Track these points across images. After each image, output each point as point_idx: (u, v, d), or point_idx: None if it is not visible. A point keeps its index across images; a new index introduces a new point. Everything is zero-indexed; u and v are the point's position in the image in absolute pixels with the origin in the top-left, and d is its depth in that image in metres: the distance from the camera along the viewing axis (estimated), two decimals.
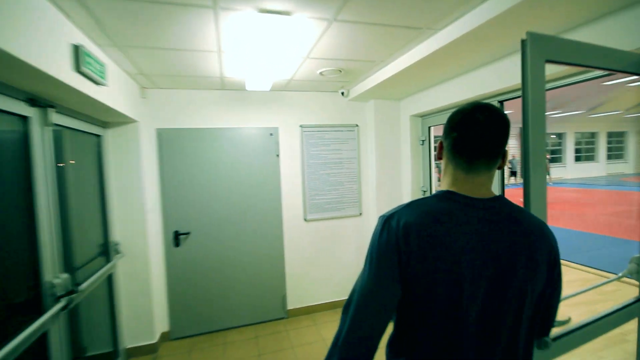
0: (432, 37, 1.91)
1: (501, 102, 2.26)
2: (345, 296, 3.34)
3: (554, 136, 17.59)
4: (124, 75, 2.33)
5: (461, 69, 2.30)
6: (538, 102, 1.05)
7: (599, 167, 18.27)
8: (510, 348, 0.74)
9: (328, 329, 2.99)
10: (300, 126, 3.14)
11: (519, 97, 2.20)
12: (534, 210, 1.02)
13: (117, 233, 2.56)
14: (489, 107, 0.77)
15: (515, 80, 2.00)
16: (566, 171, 17.54)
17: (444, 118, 2.83)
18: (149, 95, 2.76)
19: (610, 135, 18.53)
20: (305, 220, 3.20)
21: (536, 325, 0.80)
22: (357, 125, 3.31)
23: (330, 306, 3.33)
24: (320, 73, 2.54)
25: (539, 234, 0.76)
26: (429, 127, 3.06)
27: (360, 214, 3.36)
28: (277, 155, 3.09)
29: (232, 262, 3.01)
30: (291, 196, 3.14)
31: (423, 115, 3.09)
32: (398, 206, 0.81)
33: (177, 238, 2.85)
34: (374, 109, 3.17)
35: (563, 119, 15.97)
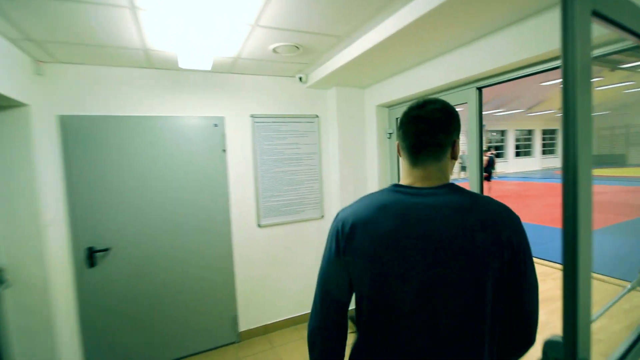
0: (407, 6, 1.57)
1: (480, 88, 2.01)
2: (307, 309, 2.96)
3: (495, 133, 18.80)
4: (2, 42, 1.69)
5: (435, 51, 2.00)
6: (584, 68, 0.73)
7: (535, 162, 19.97)
8: (457, 340, 0.72)
9: (288, 351, 2.58)
10: (252, 116, 2.66)
11: (501, 82, 1.97)
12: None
13: (1, 256, 1.90)
14: (428, 101, 0.80)
15: (498, 63, 1.73)
16: (508, 166, 18.88)
17: None
18: (48, 71, 2.10)
19: (544, 132, 20.31)
20: (259, 226, 2.74)
21: (512, 331, 0.76)
22: (317, 116, 2.91)
23: (290, 322, 2.91)
24: (274, 50, 2.09)
25: (494, 219, 0.73)
26: (397, 119, 2.77)
27: (322, 216, 2.98)
28: (224, 151, 2.58)
29: (168, 282, 2.45)
30: (242, 199, 2.66)
31: (390, 106, 2.78)
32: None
33: (91, 256, 2.23)
34: (336, 98, 2.80)
35: (505, 117, 17.11)
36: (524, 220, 0.75)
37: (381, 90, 2.67)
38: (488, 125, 17.72)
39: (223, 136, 2.57)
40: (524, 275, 0.74)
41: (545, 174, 16.54)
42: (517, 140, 19.54)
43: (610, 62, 10.74)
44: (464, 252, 0.71)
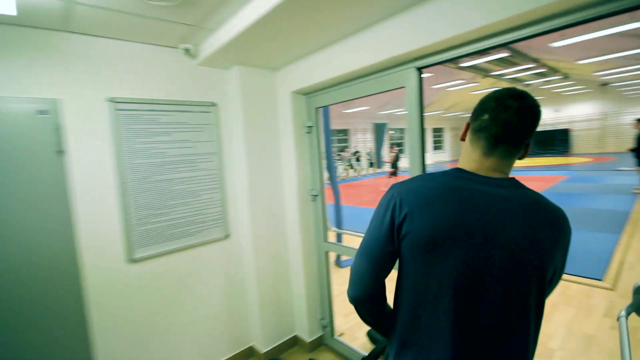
0: None
1: (420, 69, 1.62)
2: (218, 357, 2.23)
3: (393, 131, 20.43)
4: None
5: (361, 20, 1.54)
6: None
7: (428, 157, 22.49)
8: (518, 326, 0.71)
9: None
10: (111, 101, 1.80)
11: (444, 61, 1.62)
12: None
13: None
14: (523, 94, 0.73)
15: (441, 35, 1.35)
16: (406, 161, 20.76)
17: (337, 96, 2.06)
18: None
19: (434, 130, 23.00)
20: (131, 261, 1.89)
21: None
22: (214, 105, 2.20)
23: None
24: None
25: (553, 221, 0.72)
26: (317, 109, 2.25)
27: (228, 235, 2.28)
28: (61, 152, 1.66)
29: None
30: (98, 223, 1.78)
31: (309, 93, 2.25)
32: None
33: None
34: (240, 81, 2.13)
35: (404, 116, 18.66)
36: None
37: (297, 72, 2.12)
38: (390, 124, 19.10)
39: (57, 130, 1.64)
40: (559, 273, 0.78)
41: (437, 168, 18.72)
42: None
43: (482, 70, 12.40)
44: (529, 247, 0.70)
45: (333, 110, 14.57)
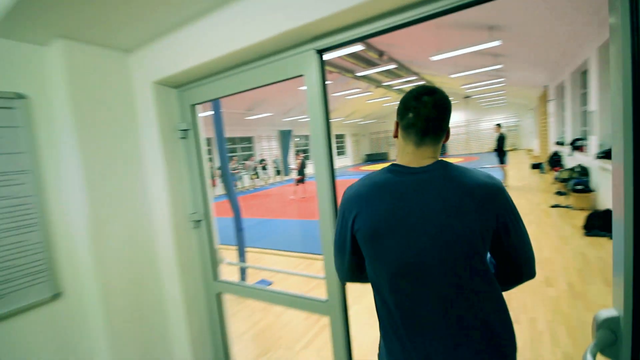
0: None
1: (320, 52, 1.25)
2: None
3: (298, 138, 20.65)
4: None
5: None
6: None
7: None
8: (446, 283, 0.80)
9: None
10: None
11: (347, 42, 1.28)
12: None
13: None
14: (434, 90, 0.85)
15: (342, 4, 1.02)
16: (311, 167, 21.12)
17: (219, 89, 1.55)
18: None
19: (337, 137, 24.08)
20: None
21: (503, 267, 0.88)
22: (22, 97, 1.43)
23: None
24: None
25: (472, 189, 0.80)
26: (193, 107, 1.70)
27: (58, 294, 1.52)
28: None
29: None
30: None
31: (180, 85, 1.68)
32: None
33: None
34: (66, 62, 1.43)
35: (302, 123, 18.97)
36: None
37: (159, 55, 1.53)
38: (295, 131, 19.14)
39: None
40: (513, 233, 0.83)
41: (342, 172, 19.49)
42: None
43: (374, 80, 13.37)
44: (454, 216, 0.78)
45: (234, 116, 13.63)
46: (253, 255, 5.06)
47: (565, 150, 8.26)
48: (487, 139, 22.49)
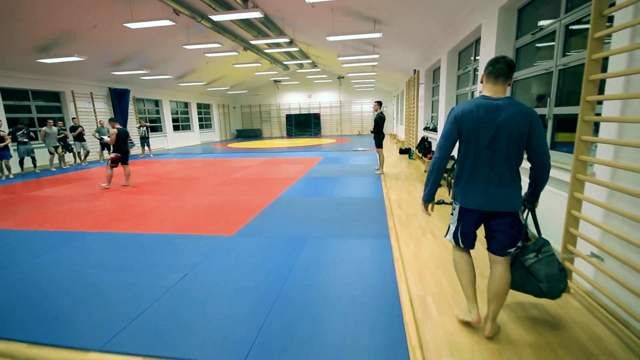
0: None
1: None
2: None
3: (143, 105, 16.20)
4: None
5: None
6: None
7: (195, 136, 19.59)
8: (507, 161, 1.80)
9: None
10: None
11: None
12: None
13: None
14: (504, 57, 1.82)
15: None
16: (167, 141, 17.03)
17: None
18: None
19: (199, 106, 20.22)
20: None
21: (532, 154, 1.82)
22: None
23: None
24: None
25: (525, 113, 1.74)
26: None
27: None
28: None
29: None
30: None
31: None
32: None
33: None
34: None
35: (157, 83, 14.72)
36: None
37: None
38: (138, 94, 14.63)
39: None
40: (537, 137, 1.77)
41: (205, 149, 16.25)
42: (175, 112, 18.04)
43: (239, 38, 10.51)
44: (513, 124, 1.74)
45: (17, 58, 8.15)
46: None
47: (434, 136, 7.88)
48: (357, 122, 22.99)
